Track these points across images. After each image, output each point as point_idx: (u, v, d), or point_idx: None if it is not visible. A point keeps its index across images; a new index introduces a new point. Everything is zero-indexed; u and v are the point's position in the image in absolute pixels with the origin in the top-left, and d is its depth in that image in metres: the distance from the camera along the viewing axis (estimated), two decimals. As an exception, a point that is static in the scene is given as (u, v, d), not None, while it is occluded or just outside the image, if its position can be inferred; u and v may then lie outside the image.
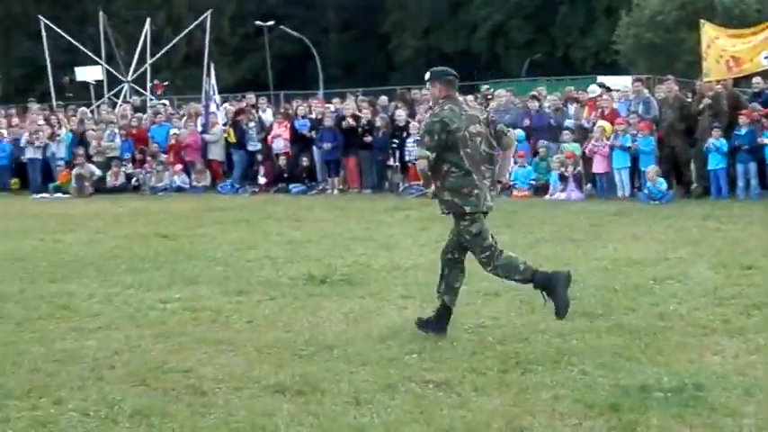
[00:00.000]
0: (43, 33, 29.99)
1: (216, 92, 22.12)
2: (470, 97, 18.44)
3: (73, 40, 31.97)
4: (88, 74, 29.72)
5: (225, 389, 5.53)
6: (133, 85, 30.84)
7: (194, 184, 20.22)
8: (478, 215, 6.51)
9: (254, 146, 20.03)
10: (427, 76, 6.81)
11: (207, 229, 13.20)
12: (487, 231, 6.55)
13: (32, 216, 15.80)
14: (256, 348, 6.43)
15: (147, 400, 5.32)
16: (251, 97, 22.26)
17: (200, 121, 21.07)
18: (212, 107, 21.23)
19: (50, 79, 30.16)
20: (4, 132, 21.91)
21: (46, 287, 8.93)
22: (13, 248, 11.68)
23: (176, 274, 8.93)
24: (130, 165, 20.93)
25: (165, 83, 33.11)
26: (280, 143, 19.65)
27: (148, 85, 30.38)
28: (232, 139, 20.23)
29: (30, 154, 21.03)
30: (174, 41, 34.65)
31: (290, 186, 19.24)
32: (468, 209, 6.45)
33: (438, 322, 6.69)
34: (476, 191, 6.44)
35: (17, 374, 5.91)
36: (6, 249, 11.60)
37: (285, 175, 19.57)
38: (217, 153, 20.58)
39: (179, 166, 20.33)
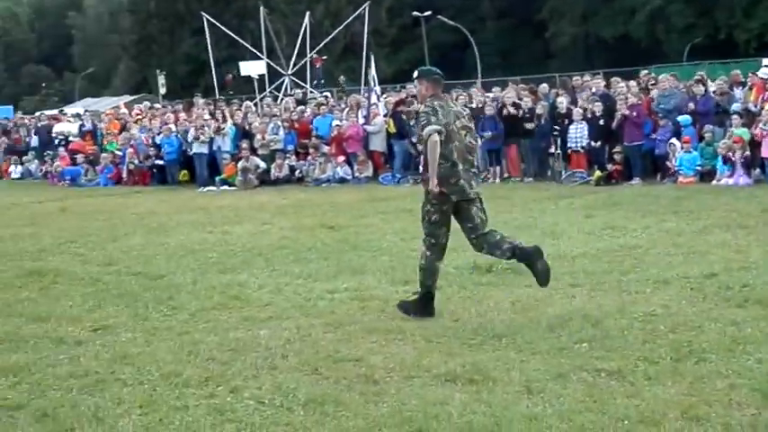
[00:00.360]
0: (206, 30, 31.06)
1: (377, 83, 22.31)
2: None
3: (235, 36, 33.00)
4: (252, 68, 30.63)
5: (396, 378, 5.55)
6: (293, 78, 31.53)
7: (356, 175, 20.48)
8: (448, 208, 6.97)
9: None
10: (415, 74, 7.28)
11: (371, 220, 13.33)
12: (446, 232, 7.07)
13: (200, 209, 16.37)
14: (425, 337, 6.44)
15: (321, 389, 5.40)
16: (411, 88, 22.32)
17: (361, 112, 21.33)
18: (373, 98, 21.42)
19: (213, 74, 31.22)
20: (173, 127, 22.82)
21: (217, 278, 9.22)
22: (184, 241, 12.09)
23: (343, 264, 9.06)
24: (294, 157, 21.41)
25: (324, 57, 33.54)
26: (441, 133, 19.62)
27: (308, 72, 30.95)
28: (392, 129, 20.37)
29: (196, 148, 21.78)
30: (333, 34, 35.24)
31: (451, 176, 19.19)
32: (454, 198, 6.95)
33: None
34: (461, 181, 6.94)
35: (193, 363, 6.10)
36: (178, 242, 12.03)
37: (446, 165, 19.52)
38: (378, 144, 20.77)
39: (341, 158, 20.65)
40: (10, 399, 5.55)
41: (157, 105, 30.03)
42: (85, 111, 33.62)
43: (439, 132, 6.79)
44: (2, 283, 9.55)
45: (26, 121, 30.53)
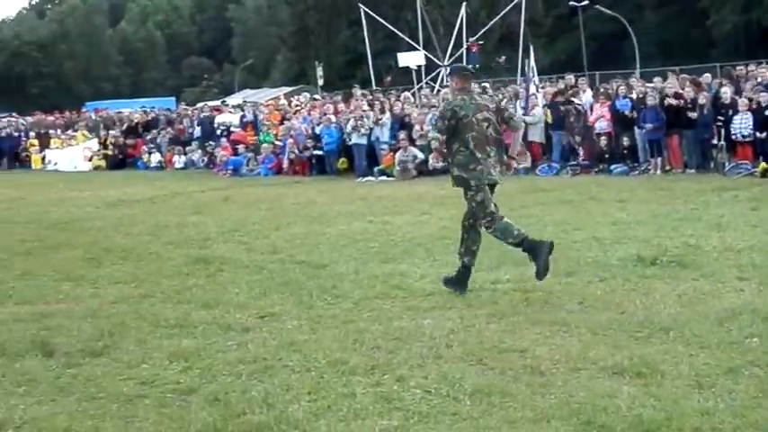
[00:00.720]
0: (363, 21, 31.38)
1: (535, 74, 22.07)
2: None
3: (392, 27, 33.26)
4: (410, 59, 30.79)
5: (562, 369, 5.52)
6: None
7: (515, 166, 20.31)
8: (482, 186, 7.75)
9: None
10: (447, 71, 8.69)
11: (531, 210, 13.23)
12: (489, 200, 7.81)
13: (360, 199, 16.61)
14: (590, 329, 6.37)
15: (486, 379, 5.42)
16: (570, 78, 22.05)
17: (519, 103, 21.16)
18: (532, 89, 21.21)
19: (370, 66, 31.53)
20: (332, 118, 23.22)
21: (379, 267, 9.36)
22: (345, 230, 12.30)
23: (505, 255, 9.02)
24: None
25: (480, 42, 33.37)
26: (602, 123, 19.37)
27: (464, 59, 30.88)
28: (550, 120, 20.15)
29: (355, 139, 22.09)
30: (490, 25, 35.06)
31: (611, 167, 18.89)
32: (473, 182, 7.75)
33: (460, 280, 7.92)
34: (479, 167, 7.74)
35: (359, 352, 6.21)
36: (339, 231, 12.25)
37: (606, 156, 19.22)
38: (536, 134, 20.57)
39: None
40: (182, 383, 5.78)
41: (317, 96, 30.64)
42: (245, 101, 34.61)
43: (438, 138, 7.88)
44: (170, 270, 9.97)
45: (189, 112, 31.72)
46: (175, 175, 25.77)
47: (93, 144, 31.07)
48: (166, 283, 9.19)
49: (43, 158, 31.91)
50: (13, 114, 41.83)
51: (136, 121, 31.67)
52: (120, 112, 35.20)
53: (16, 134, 34.05)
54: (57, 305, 8.23)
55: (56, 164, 31.01)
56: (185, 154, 28.52)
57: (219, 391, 5.50)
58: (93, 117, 34.70)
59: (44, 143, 32.75)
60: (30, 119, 37.09)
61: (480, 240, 8.04)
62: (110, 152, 30.41)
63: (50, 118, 36.33)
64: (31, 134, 33.57)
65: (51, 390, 5.68)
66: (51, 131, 33.32)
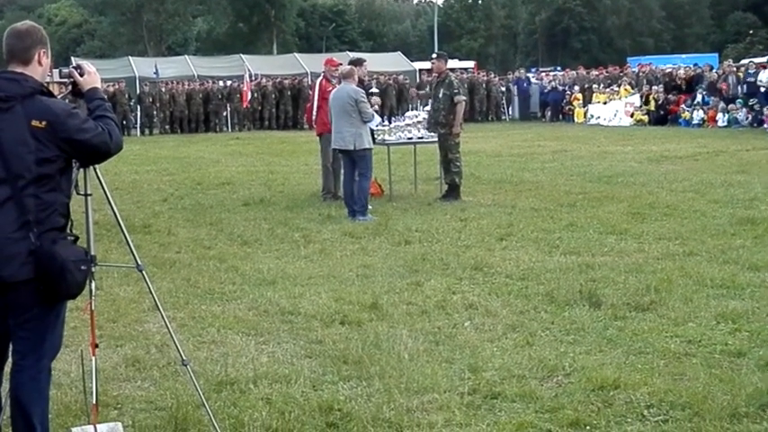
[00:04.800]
0: None
1: None
2: None
3: None
4: None
5: None
6: None
7: None
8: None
9: None
10: (434, 55, 13.34)
11: None
12: None
13: None
14: None
15: None
16: None
17: None
18: None
19: None
20: None
21: None
22: None
23: None
24: None
25: None
26: None
27: None
28: None
29: None
30: None
31: None
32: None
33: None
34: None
35: None
36: None
37: None
38: None
39: None
40: (730, 345, 5.65)
41: None
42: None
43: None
44: (714, 228, 9.75)
45: (733, 68, 30.27)
46: (717, 133, 24.94)
47: (635, 99, 31.25)
48: (711, 242, 9.02)
49: (585, 113, 32.90)
50: (558, 69, 43.60)
51: (679, 77, 31.17)
52: (662, 68, 34.90)
53: (560, 88, 35.55)
54: (602, 257, 8.48)
55: (598, 118, 31.80)
56: (728, 112, 27.45)
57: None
58: (636, 72, 34.85)
59: (587, 98, 33.77)
60: (573, 73, 38.44)
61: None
62: (652, 108, 30.36)
63: (594, 72, 37.26)
64: (575, 88, 34.77)
65: (599, 340, 5.88)
66: (594, 86, 34.17)
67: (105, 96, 4.12)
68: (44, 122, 3.71)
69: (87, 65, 4.14)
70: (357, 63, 12.70)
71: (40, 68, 3.91)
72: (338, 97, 11.55)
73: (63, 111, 3.78)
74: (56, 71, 4.08)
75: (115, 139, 3.92)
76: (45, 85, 3.89)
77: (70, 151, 3.81)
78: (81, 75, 4.07)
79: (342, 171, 12.09)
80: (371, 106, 11.86)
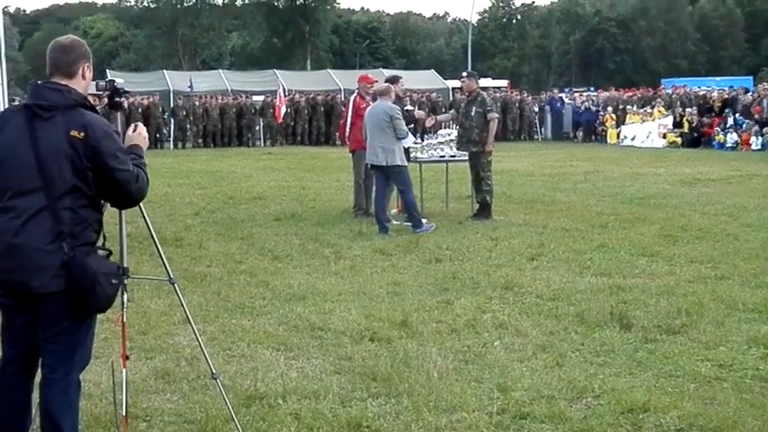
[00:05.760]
0: None
1: None
2: None
3: None
4: None
5: None
6: None
7: None
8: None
9: None
10: (464, 74, 13.33)
11: None
12: None
13: None
14: None
15: None
16: None
17: None
18: None
19: None
20: None
21: None
22: None
23: None
24: None
25: None
26: None
27: None
28: None
29: None
30: None
31: None
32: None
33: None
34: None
35: None
36: None
37: None
38: None
39: None
40: (762, 370, 5.61)
41: None
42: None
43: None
44: (747, 252, 9.68)
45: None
46: (751, 157, 24.74)
47: (669, 121, 31.07)
48: (743, 265, 8.94)
49: (618, 133, 32.76)
50: (591, 89, 43.40)
51: (713, 99, 31.00)
52: (696, 90, 34.72)
53: (594, 108, 35.43)
54: (633, 279, 8.43)
55: (631, 139, 31.64)
56: (762, 135, 27.23)
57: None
58: (670, 94, 34.68)
59: (620, 118, 33.62)
60: (606, 94, 38.29)
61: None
62: (685, 130, 30.17)
63: (627, 94, 37.12)
64: (609, 109, 34.64)
65: (629, 363, 5.84)
66: (628, 107, 34.02)
67: (145, 157, 4.11)
68: (82, 134, 3.74)
69: (141, 127, 4.20)
70: (393, 80, 12.79)
71: (84, 82, 3.96)
72: (374, 113, 11.63)
73: (102, 128, 3.81)
74: (92, 83, 4.13)
75: (140, 184, 3.91)
76: (88, 99, 3.93)
77: (94, 172, 3.79)
78: (133, 130, 4.13)
79: (374, 188, 12.16)
80: (416, 120, 12.26)
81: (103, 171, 3.79)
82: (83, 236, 3.79)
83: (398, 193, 12.03)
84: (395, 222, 12.18)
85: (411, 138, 12.42)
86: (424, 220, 11.66)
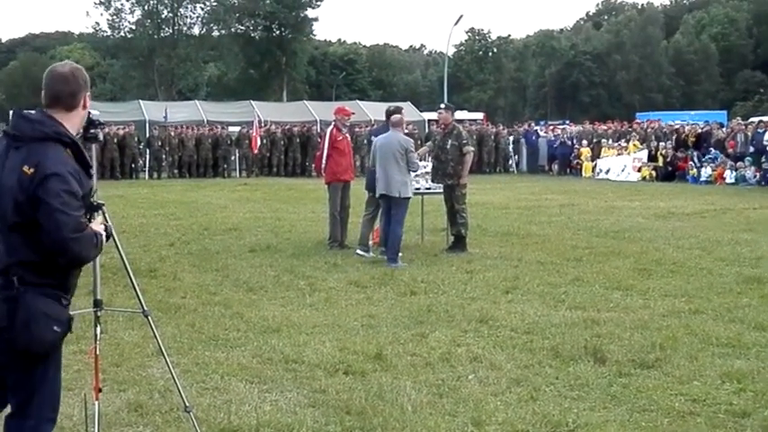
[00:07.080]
0: None
1: None
2: None
3: None
4: None
5: None
6: None
7: None
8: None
9: None
10: (442, 106, 13.35)
11: None
12: None
13: None
14: None
15: None
16: None
17: None
18: None
19: None
20: None
21: None
22: None
23: None
24: None
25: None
26: None
27: None
28: None
29: None
30: None
31: None
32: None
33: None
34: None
35: None
36: None
37: None
38: None
39: None
40: (735, 405, 5.62)
41: None
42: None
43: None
44: (721, 287, 9.72)
45: (742, 127, 30.41)
46: (725, 191, 24.97)
47: (644, 155, 31.36)
48: (717, 300, 8.99)
49: (593, 167, 33.01)
50: (567, 122, 43.71)
51: (686, 134, 31.35)
52: (671, 124, 35.10)
53: (569, 142, 35.68)
54: (607, 313, 8.45)
55: (606, 172, 31.87)
56: (736, 170, 27.53)
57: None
58: (645, 128, 35.02)
59: (595, 152, 33.87)
60: (580, 127, 38.61)
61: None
62: (659, 164, 30.46)
63: (602, 127, 37.44)
64: (584, 142, 34.91)
65: (603, 397, 5.85)
66: (603, 140, 34.30)
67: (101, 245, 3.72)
68: (32, 170, 3.49)
69: (102, 219, 3.82)
70: (398, 111, 12.51)
71: (84, 112, 3.80)
72: (387, 144, 11.79)
73: (55, 167, 3.51)
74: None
75: (82, 239, 3.53)
76: (72, 136, 3.68)
77: (36, 211, 3.47)
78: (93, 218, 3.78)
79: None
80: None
81: (39, 207, 3.47)
82: (35, 275, 3.55)
83: (385, 224, 12.00)
84: (369, 254, 12.19)
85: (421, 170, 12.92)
86: (399, 255, 11.66)
